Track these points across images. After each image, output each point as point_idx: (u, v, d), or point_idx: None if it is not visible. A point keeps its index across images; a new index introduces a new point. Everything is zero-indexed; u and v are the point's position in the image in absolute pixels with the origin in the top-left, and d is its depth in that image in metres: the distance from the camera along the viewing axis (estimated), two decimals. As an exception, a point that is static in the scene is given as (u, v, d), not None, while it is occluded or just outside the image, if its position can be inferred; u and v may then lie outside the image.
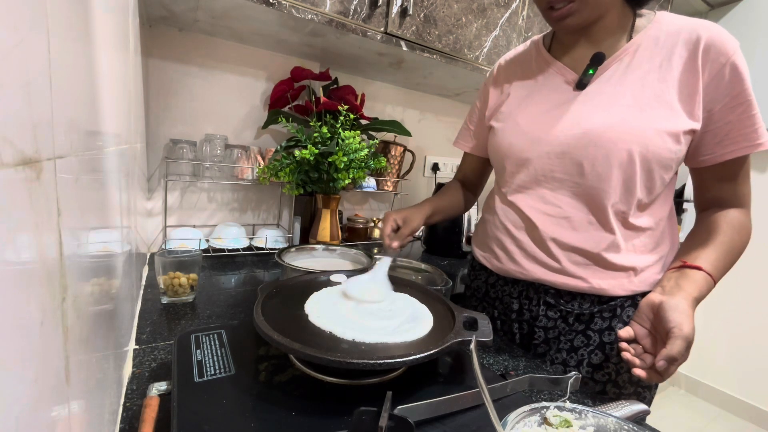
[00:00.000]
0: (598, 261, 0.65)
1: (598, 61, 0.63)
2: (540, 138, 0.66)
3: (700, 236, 0.64)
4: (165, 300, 0.76)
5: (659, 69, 0.60)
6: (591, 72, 0.63)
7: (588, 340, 0.69)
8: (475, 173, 0.91)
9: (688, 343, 0.52)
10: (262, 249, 1.18)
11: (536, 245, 0.69)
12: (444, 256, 1.40)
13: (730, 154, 0.59)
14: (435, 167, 1.76)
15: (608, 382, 0.68)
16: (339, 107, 1.09)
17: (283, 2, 0.88)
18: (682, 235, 2.13)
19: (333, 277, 0.64)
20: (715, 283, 0.59)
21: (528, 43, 0.78)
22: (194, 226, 1.17)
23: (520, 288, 0.74)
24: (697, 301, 0.57)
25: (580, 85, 0.64)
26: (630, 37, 0.63)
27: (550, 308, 0.71)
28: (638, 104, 0.60)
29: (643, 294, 0.66)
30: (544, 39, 0.74)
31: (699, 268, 0.59)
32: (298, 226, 1.24)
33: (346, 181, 1.09)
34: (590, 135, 0.61)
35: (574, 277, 0.66)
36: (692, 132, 0.59)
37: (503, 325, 0.78)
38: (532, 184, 0.68)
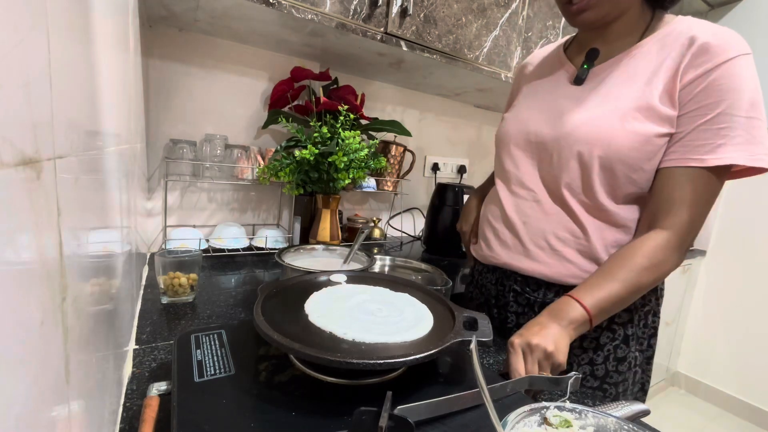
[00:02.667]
0: (565, 245, 0.68)
1: (592, 56, 0.65)
2: (528, 129, 0.71)
3: (611, 264, 0.61)
4: (165, 300, 0.76)
5: (650, 72, 0.59)
6: (585, 67, 0.66)
7: None
8: None
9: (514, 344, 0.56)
10: (262, 249, 1.18)
11: (508, 230, 0.73)
12: (444, 256, 1.40)
13: (670, 162, 0.57)
14: (435, 167, 1.76)
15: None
16: (339, 107, 1.09)
17: (283, 2, 0.88)
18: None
19: (333, 277, 0.64)
20: (591, 320, 0.57)
21: (555, 44, 0.81)
22: (194, 226, 1.17)
23: (497, 275, 0.78)
24: (561, 326, 0.56)
25: (577, 80, 0.67)
26: (640, 40, 0.62)
27: (517, 296, 0.74)
28: (613, 105, 0.61)
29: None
30: (566, 42, 0.77)
31: (579, 302, 0.57)
32: (298, 226, 1.24)
33: (346, 181, 1.09)
34: (559, 129, 0.65)
35: (537, 262, 0.69)
36: (668, 135, 0.58)
37: (489, 309, 0.82)
38: (514, 169, 0.73)
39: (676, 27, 0.60)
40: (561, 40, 0.79)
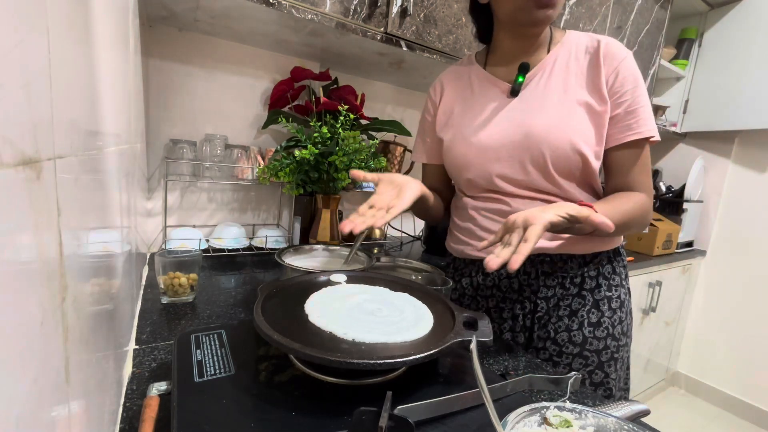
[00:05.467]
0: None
1: (524, 69, 0.71)
2: (488, 145, 0.73)
3: (604, 200, 0.71)
4: (165, 300, 0.76)
5: (575, 75, 0.70)
6: (521, 80, 0.71)
7: (583, 300, 0.75)
8: (440, 181, 0.90)
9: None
10: (262, 249, 1.18)
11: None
12: (444, 256, 1.39)
13: (622, 139, 0.68)
14: (435, 167, 1.76)
15: (608, 336, 0.75)
16: (339, 107, 1.09)
17: (283, 2, 0.88)
18: (683, 235, 2.13)
19: (333, 277, 0.64)
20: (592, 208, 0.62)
21: (464, 59, 0.85)
22: (194, 226, 1.17)
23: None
24: (565, 216, 0.58)
25: (513, 92, 0.72)
26: (548, 50, 0.73)
27: (548, 277, 0.75)
28: (566, 106, 0.69)
29: (614, 250, 0.78)
30: (477, 56, 0.82)
31: (589, 206, 0.61)
32: (298, 226, 1.24)
33: (346, 181, 1.09)
34: (533, 136, 0.69)
35: (561, 240, 0.73)
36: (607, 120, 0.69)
37: (501, 312, 0.80)
38: (492, 186, 0.75)
39: (574, 38, 0.72)
40: (468, 55, 0.84)
